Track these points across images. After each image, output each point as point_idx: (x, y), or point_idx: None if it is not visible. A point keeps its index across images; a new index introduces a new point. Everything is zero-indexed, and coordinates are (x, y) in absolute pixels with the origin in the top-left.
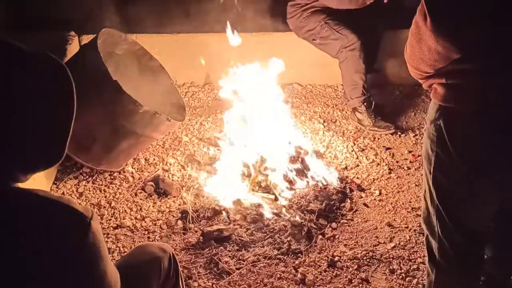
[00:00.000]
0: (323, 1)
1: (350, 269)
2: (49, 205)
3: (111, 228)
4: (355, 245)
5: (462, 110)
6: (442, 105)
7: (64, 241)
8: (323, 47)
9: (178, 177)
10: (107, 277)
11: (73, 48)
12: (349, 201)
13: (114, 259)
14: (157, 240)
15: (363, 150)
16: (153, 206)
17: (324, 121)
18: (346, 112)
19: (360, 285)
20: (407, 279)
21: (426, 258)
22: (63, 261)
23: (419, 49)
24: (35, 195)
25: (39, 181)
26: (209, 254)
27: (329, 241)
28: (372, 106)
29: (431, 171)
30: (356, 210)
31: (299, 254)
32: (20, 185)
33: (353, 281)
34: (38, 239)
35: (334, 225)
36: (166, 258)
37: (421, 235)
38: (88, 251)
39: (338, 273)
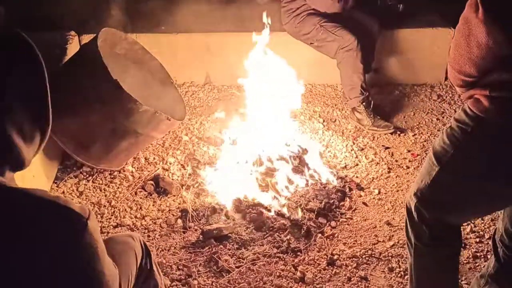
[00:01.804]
0: (310, 4)
1: (349, 267)
2: (45, 205)
3: (111, 227)
4: (354, 243)
5: (502, 124)
6: (481, 115)
7: (60, 241)
8: (321, 49)
9: (178, 176)
10: (105, 277)
11: (73, 48)
12: (348, 200)
13: None
14: (157, 238)
15: (363, 149)
16: (153, 205)
17: (323, 121)
18: (345, 112)
19: (359, 283)
20: (405, 277)
21: (407, 243)
22: (59, 261)
23: (467, 47)
24: (32, 195)
25: (39, 180)
26: (208, 253)
27: (328, 239)
28: (371, 106)
29: (438, 168)
30: (355, 209)
31: (299, 253)
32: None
33: (352, 279)
34: (33, 239)
35: (333, 223)
36: (138, 246)
37: None
38: (84, 252)
39: (337, 271)
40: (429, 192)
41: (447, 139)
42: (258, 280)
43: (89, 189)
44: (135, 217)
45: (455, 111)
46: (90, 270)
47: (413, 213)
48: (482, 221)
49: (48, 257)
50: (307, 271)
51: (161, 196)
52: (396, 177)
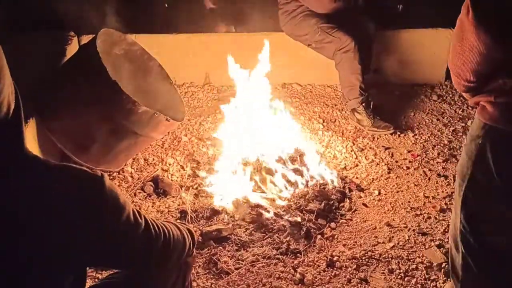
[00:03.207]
0: (304, 3)
1: (349, 269)
2: (65, 170)
3: None
4: (354, 245)
5: (509, 132)
6: (488, 124)
7: (86, 197)
8: (319, 51)
9: (177, 177)
10: (131, 227)
11: (72, 48)
12: (348, 201)
13: None
14: None
15: (362, 150)
16: (152, 206)
17: (323, 121)
18: (345, 112)
19: (359, 285)
20: (405, 279)
21: (450, 271)
22: (90, 218)
23: (461, 51)
24: (51, 162)
25: None
26: (208, 254)
27: (328, 241)
28: (371, 106)
29: (463, 189)
30: (355, 210)
31: (298, 254)
32: None
33: (352, 281)
34: (65, 200)
35: (333, 225)
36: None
37: (420, 234)
38: (109, 201)
39: (337, 273)
40: (465, 215)
41: (465, 156)
42: (258, 281)
43: None
44: None
45: (455, 111)
46: (117, 217)
47: (459, 243)
48: None
49: (75, 214)
50: (306, 273)
51: (160, 197)
52: (396, 177)
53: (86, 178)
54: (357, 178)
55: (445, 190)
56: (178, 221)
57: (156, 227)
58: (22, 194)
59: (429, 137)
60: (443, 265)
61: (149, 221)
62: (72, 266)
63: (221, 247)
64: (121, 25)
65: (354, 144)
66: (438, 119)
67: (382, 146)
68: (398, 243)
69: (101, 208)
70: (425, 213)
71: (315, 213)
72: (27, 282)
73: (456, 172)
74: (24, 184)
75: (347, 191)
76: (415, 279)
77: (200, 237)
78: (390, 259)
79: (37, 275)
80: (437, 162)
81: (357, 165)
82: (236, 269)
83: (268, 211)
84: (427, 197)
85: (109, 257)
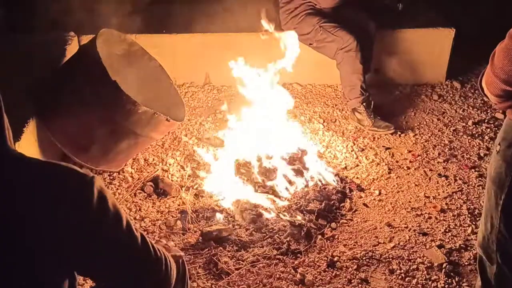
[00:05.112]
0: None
1: (350, 269)
2: (51, 167)
3: None
4: (354, 245)
5: None
6: None
7: (72, 198)
8: (320, 50)
9: (177, 177)
10: (119, 232)
11: (72, 48)
12: (348, 201)
13: None
14: (156, 240)
15: (363, 150)
16: (152, 207)
17: (323, 121)
18: (345, 112)
19: (360, 285)
20: (406, 279)
21: (478, 282)
22: (74, 217)
23: None
24: (37, 159)
25: None
26: (208, 255)
27: (328, 241)
28: (372, 106)
29: (502, 198)
30: (356, 210)
31: (299, 254)
32: None
33: (352, 281)
34: (48, 200)
35: (333, 225)
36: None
37: (421, 235)
38: (95, 204)
39: (338, 273)
40: (506, 223)
41: (501, 162)
42: (258, 282)
43: None
44: (134, 218)
45: (456, 111)
46: (104, 220)
47: (495, 252)
48: None
49: (63, 215)
50: (307, 273)
51: (160, 198)
52: (397, 178)
53: (73, 176)
54: (357, 178)
55: (446, 190)
56: (172, 241)
57: (158, 252)
58: (7, 193)
59: (429, 137)
60: (444, 265)
61: (148, 241)
62: (65, 267)
63: (221, 248)
64: (121, 25)
65: (354, 144)
66: (438, 119)
67: (383, 146)
68: (398, 243)
69: (86, 206)
70: (425, 213)
71: (316, 213)
72: (24, 284)
73: (488, 180)
74: (7, 183)
75: (347, 191)
76: (415, 280)
77: (200, 238)
78: (390, 259)
79: (35, 276)
80: (438, 162)
81: (357, 165)
82: (237, 269)
83: (269, 211)
84: (428, 197)
85: (100, 264)
